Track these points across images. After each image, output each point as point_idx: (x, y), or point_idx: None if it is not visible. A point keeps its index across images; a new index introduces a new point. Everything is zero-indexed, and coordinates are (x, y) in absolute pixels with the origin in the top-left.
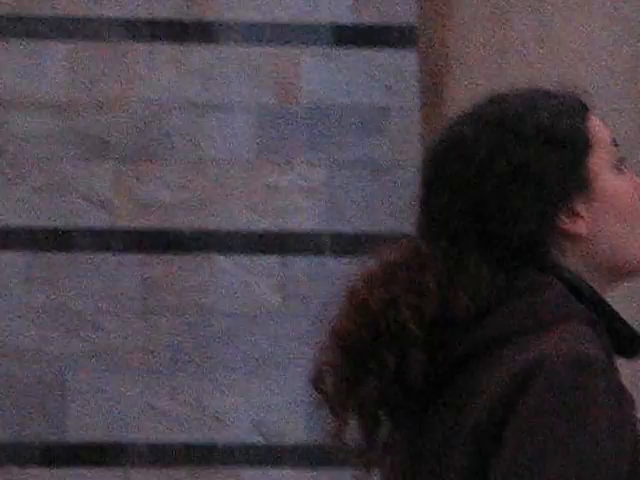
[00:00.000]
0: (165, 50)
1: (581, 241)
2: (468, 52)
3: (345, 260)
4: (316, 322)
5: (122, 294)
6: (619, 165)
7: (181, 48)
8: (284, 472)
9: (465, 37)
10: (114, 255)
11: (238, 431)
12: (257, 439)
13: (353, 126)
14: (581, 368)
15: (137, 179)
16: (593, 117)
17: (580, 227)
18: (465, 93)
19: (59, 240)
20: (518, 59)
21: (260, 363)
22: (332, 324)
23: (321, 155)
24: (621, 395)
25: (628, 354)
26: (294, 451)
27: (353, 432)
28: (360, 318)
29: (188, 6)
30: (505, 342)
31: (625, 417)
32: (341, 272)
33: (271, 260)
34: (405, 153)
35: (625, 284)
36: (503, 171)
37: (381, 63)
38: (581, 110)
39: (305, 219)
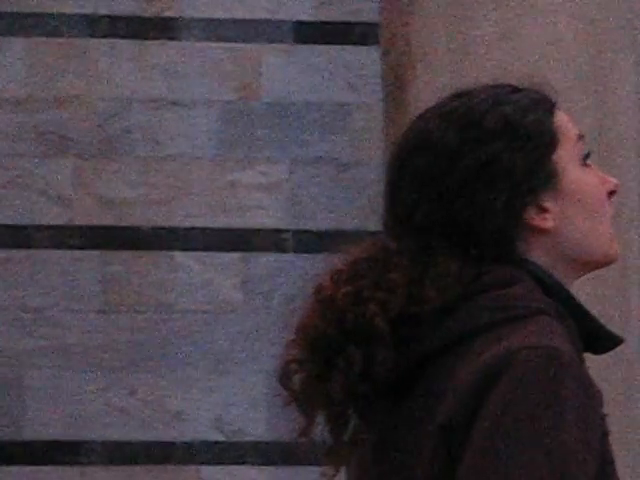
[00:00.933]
0: (125, 46)
1: (548, 235)
2: (431, 49)
3: (307, 257)
4: (277, 319)
5: (81, 291)
6: (585, 160)
7: (142, 44)
8: (245, 469)
9: (428, 34)
10: (73, 252)
11: (198, 428)
12: (217, 436)
13: (315, 123)
14: (550, 362)
15: (97, 176)
16: (559, 112)
17: (547, 221)
18: (428, 90)
19: (17, 237)
20: (481, 57)
21: (221, 360)
22: (298, 320)
23: (283, 152)
24: (590, 390)
25: (596, 349)
26: (255, 448)
27: (321, 429)
28: (327, 314)
29: (149, 2)
30: (473, 336)
31: (594, 412)
32: (303, 269)
33: (232, 257)
34: (367, 150)
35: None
36: (470, 167)
37: (343, 60)
38: (547, 105)
39: (266, 216)
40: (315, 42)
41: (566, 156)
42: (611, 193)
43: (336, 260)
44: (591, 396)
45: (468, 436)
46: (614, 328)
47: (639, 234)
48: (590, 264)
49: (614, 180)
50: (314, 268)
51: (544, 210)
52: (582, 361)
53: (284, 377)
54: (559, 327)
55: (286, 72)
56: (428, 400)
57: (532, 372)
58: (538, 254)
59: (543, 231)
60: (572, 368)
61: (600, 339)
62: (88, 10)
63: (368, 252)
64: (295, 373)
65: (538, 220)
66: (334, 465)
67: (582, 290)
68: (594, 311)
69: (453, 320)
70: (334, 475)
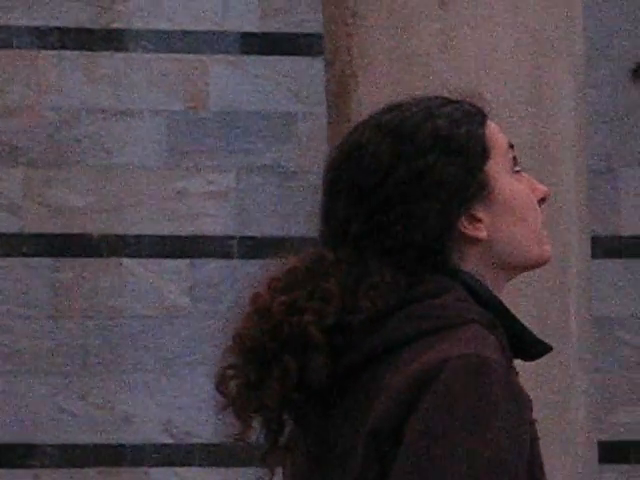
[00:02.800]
0: (74, 57)
1: (481, 244)
2: (373, 60)
3: (253, 263)
4: (225, 324)
5: (32, 297)
6: (515, 168)
7: (90, 56)
8: (193, 471)
9: (370, 45)
10: (24, 259)
11: (147, 431)
12: (166, 439)
13: (261, 132)
14: (480, 371)
15: (47, 184)
16: (490, 123)
17: (480, 231)
18: (371, 100)
19: None
20: (422, 67)
21: (169, 364)
22: (235, 328)
23: (229, 160)
24: (519, 397)
25: (525, 356)
26: (203, 450)
27: (257, 433)
28: (263, 323)
29: (97, 14)
30: (406, 345)
31: (523, 419)
32: (249, 275)
33: (180, 263)
34: (312, 158)
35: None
36: (403, 178)
37: (288, 70)
38: (478, 117)
39: (213, 223)
40: (261, 53)
41: (497, 166)
42: (541, 200)
43: (273, 269)
44: (520, 403)
45: (399, 442)
46: (553, 332)
47: (577, 238)
48: (522, 267)
49: (544, 188)
50: (260, 274)
51: (477, 220)
52: (512, 368)
53: (221, 383)
54: (489, 336)
55: (233, 82)
56: (360, 407)
57: (462, 380)
58: (471, 263)
59: (476, 241)
60: (501, 376)
61: (530, 346)
62: (38, 22)
63: (304, 261)
64: (231, 379)
65: (471, 230)
66: (269, 468)
67: (521, 295)
68: (535, 316)
69: (385, 329)
70: (271, 476)
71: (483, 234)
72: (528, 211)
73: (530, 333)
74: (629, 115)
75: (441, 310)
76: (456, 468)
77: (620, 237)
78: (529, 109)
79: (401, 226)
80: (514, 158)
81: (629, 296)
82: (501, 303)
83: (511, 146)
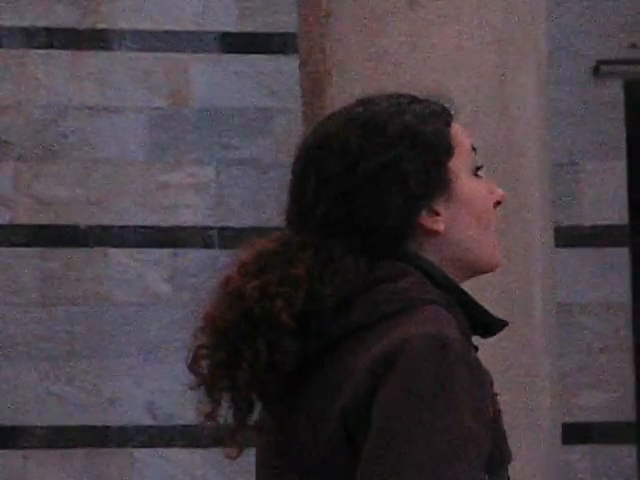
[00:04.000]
0: (61, 56)
1: (438, 237)
2: (346, 58)
3: (232, 252)
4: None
5: (21, 285)
6: (476, 170)
7: (77, 55)
8: (175, 452)
9: (343, 45)
10: (14, 249)
11: (131, 413)
12: (150, 421)
13: (240, 127)
14: (441, 348)
15: (36, 178)
16: (455, 124)
17: (438, 224)
18: (343, 96)
19: None
20: (393, 65)
21: (152, 349)
22: (206, 309)
23: (209, 154)
24: (479, 373)
25: (483, 333)
26: (184, 432)
27: (227, 413)
28: (235, 306)
29: (83, 15)
30: (368, 327)
31: (484, 393)
32: (227, 265)
33: (162, 253)
34: (288, 152)
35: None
36: (370, 169)
37: (265, 68)
38: (444, 116)
39: (194, 215)
40: (239, 51)
41: (460, 165)
42: (497, 203)
43: (242, 253)
44: (480, 377)
45: (367, 420)
46: (519, 318)
47: (541, 228)
48: (474, 268)
49: (501, 192)
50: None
51: (436, 213)
52: (471, 345)
53: (193, 362)
54: (448, 315)
55: (212, 80)
56: (327, 387)
57: (424, 358)
58: (428, 254)
59: (434, 233)
60: (461, 353)
61: (486, 323)
62: (26, 23)
63: (272, 246)
64: (203, 359)
65: (430, 222)
66: (238, 447)
67: (488, 283)
68: (500, 302)
69: (350, 314)
70: (237, 456)
71: (440, 227)
72: (485, 213)
73: (486, 311)
74: (590, 111)
75: (401, 293)
76: (424, 442)
77: (582, 227)
78: (494, 105)
79: (365, 213)
80: (478, 165)
81: (591, 283)
82: (456, 285)
83: (474, 148)
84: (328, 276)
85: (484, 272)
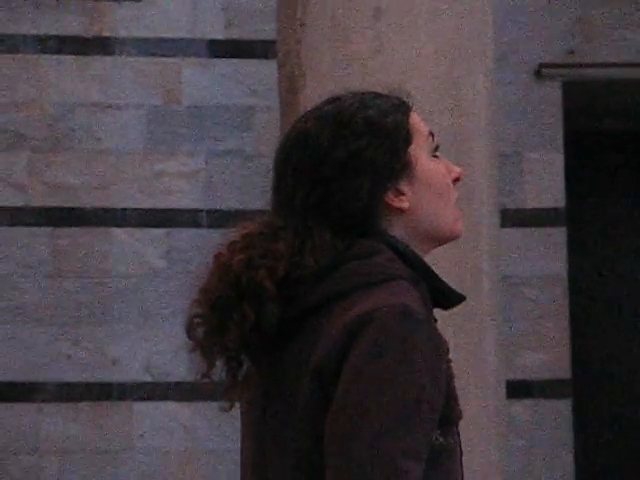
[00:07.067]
0: (70, 60)
1: (404, 214)
2: (318, 62)
3: (219, 232)
4: (195, 282)
5: (35, 260)
6: (434, 152)
7: (83, 59)
8: (169, 404)
9: (315, 50)
10: (28, 228)
11: (131, 372)
12: (147, 378)
13: (225, 123)
14: (404, 318)
15: (47, 166)
16: (413, 114)
17: (403, 202)
18: (316, 95)
19: None
20: (359, 68)
21: (149, 316)
22: (201, 284)
23: (199, 146)
24: (438, 341)
25: (444, 305)
26: (177, 387)
27: (220, 371)
28: (224, 278)
29: (89, 24)
30: (343, 296)
31: (440, 358)
32: (215, 242)
33: (158, 232)
34: (268, 144)
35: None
36: (340, 158)
37: (248, 71)
38: (404, 108)
39: (186, 199)
40: (225, 56)
41: (419, 150)
42: (456, 180)
43: (232, 233)
44: (438, 345)
45: (338, 376)
46: (469, 289)
47: (488, 210)
48: (438, 238)
49: (458, 169)
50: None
51: (401, 193)
52: (432, 316)
53: (190, 329)
54: (413, 289)
55: (202, 81)
56: (306, 348)
57: (390, 326)
58: (397, 230)
59: (400, 210)
60: (422, 322)
61: (447, 297)
62: (40, 31)
63: (258, 227)
64: (198, 326)
65: (396, 201)
66: (230, 401)
67: (442, 258)
68: (453, 275)
69: (327, 283)
70: (229, 409)
71: (405, 205)
72: (443, 188)
73: (447, 286)
74: (532, 108)
75: (373, 268)
76: (385, 402)
77: (524, 209)
78: (448, 103)
79: (338, 198)
80: (435, 146)
81: (532, 259)
82: (423, 262)
83: (431, 134)
84: (307, 251)
85: (448, 240)
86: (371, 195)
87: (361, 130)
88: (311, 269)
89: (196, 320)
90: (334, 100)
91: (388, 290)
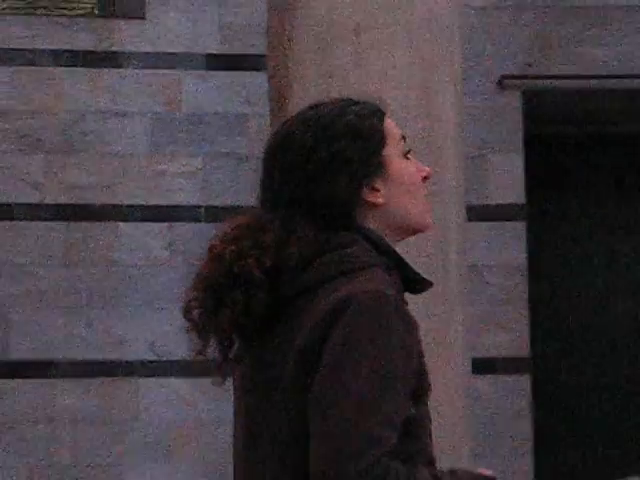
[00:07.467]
0: (82, 73)
1: (379, 209)
2: (304, 74)
3: (215, 226)
4: (194, 271)
5: (51, 251)
6: (406, 154)
7: (94, 71)
8: (171, 381)
9: (301, 64)
10: (45, 223)
11: (137, 351)
12: (151, 357)
13: (221, 128)
14: (380, 302)
15: (62, 167)
16: (388, 119)
17: (378, 198)
18: (301, 103)
19: (3, 212)
20: (341, 79)
21: (153, 300)
22: (197, 270)
23: (197, 149)
24: (409, 322)
25: (415, 291)
26: (179, 365)
27: (213, 350)
28: (218, 266)
29: (99, 41)
30: (324, 283)
31: (412, 338)
32: (212, 235)
33: (161, 226)
34: (260, 148)
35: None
36: (322, 159)
37: (242, 82)
38: (379, 114)
39: (186, 196)
40: (221, 69)
41: (392, 151)
42: (425, 178)
43: (224, 226)
44: (409, 326)
45: (320, 356)
46: (438, 276)
47: (456, 206)
48: (409, 230)
49: (427, 169)
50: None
51: (376, 190)
52: (404, 300)
53: (187, 311)
54: (386, 276)
55: (200, 91)
56: (291, 330)
57: (366, 309)
58: (372, 222)
59: (375, 205)
60: (395, 306)
61: (417, 283)
62: (55, 46)
63: (247, 220)
64: (194, 309)
65: (371, 197)
66: (222, 376)
67: (415, 248)
68: (425, 264)
69: (310, 271)
70: (221, 383)
71: (380, 200)
72: (414, 185)
73: (417, 273)
74: (495, 115)
75: (351, 257)
76: (363, 378)
77: (488, 205)
78: (421, 110)
79: (319, 194)
80: (408, 149)
81: (495, 249)
82: (395, 252)
83: (403, 137)
84: (292, 242)
85: (418, 232)
86: (349, 192)
87: (340, 133)
88: (295, 259)
89: (192, 304)
90: (316, 106)
91: (364, 277)
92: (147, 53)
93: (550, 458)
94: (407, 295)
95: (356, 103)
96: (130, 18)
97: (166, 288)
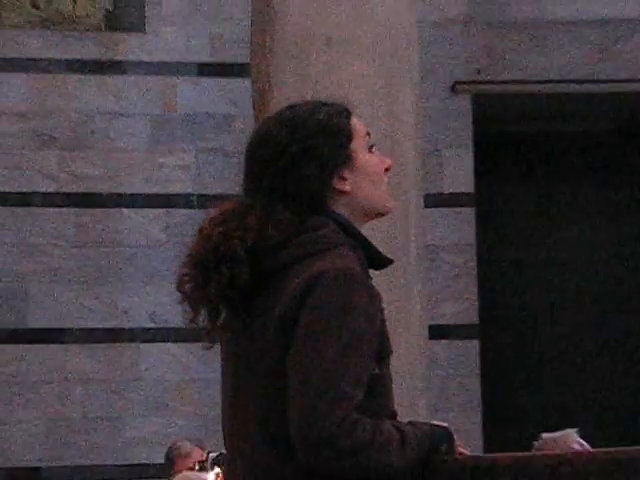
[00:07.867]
0: (90, 78)
1: (346, 195)
2: (283, 80)
3: (206, 212)
4: (187, 251)
5: (63, 233)
6: (371, 148)
7: (101, 77)
8: (169, 346)
9: (281, 70)
10: (58, 209)
11: (139, 319)
12: (151, 325)
13: (212, 127)
14: (347, 277)
15: (73, 161)
16: (354, 117)
17: (346, 186)
18: (281, 106)
19: (23, 200)
20: (315, 85)
21: (152, 277)
22: (189, 249)
23: (191, 145)
24: (373, 294)
25: (377, 267)
26: (175, 332)
27: (203, 318)
28: (206, 245)
29: (105, 50)
30: (299, 261)
31: (376, 309)
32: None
33: (159, 212)
34: (245, 144)
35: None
36: (296, 153)
37: (229, 87)
38: (346, 113)
39: (181, 186)
40: (212, 76)
41: (358, 145)
42: (387, 169)
43: (212, 211)
44: (373, 297)
45: (296, 324)
46: (400, 254)
47: (415, 194)
48: (374, 213)
49: (389, 161)
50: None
51: (344, 179)
52: (368, 276)
53: (179, 285)
54: (352, 255)
55: (193, 95)
56: (270, 301)
57: (335, 284)
58: (340, 207)
59: (343, 193)
60: (361, 280)
61: (379, 260)
62: (67, 56)
63: (232, 205)
64: (186, 283)
65: (340, 185)
66: (210, 342)
67: (379, 230)
68: (388, 243)
69: (286, 250)
70: (210, 347)
71: (347, 188)
72: (377, 175)
73: (379, 252)
74: (449, 116)
75: (322, 238)
76: (331, 341)
77: (442, 193)
78: (384, 111)
79: (294, 183)
80: (371, 144)
81: (448, 231)
82: (360, 233)
83: (368, 133)
84: (271, 224)
85: (381, 215)
86: (320, 181)
87: (312, 130)
88: (274, 239)
89: (185, 278)
90: (291, 107)
91: (333, 255)
92: (147, 62)
93: (495, 410)
94: (372, 271)
95: (326, 104)
96: (132, 32)
97: (164, 265)
